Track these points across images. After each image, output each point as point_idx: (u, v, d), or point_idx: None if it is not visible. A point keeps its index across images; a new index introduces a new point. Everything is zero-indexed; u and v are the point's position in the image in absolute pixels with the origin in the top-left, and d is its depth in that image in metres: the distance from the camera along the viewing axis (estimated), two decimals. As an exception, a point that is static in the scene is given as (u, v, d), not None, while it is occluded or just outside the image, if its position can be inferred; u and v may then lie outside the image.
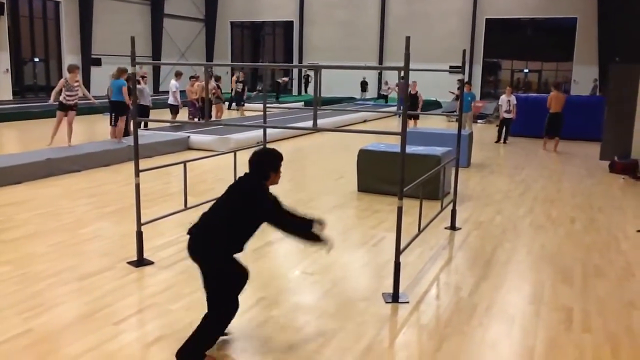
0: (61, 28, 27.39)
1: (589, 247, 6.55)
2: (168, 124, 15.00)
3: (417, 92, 17.26)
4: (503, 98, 16.13)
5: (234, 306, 3.81)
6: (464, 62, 6.75)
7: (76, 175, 9.89)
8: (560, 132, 14.80)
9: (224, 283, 3.75)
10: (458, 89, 22.00)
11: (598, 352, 4.06)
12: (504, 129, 15.97)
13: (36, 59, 27.25)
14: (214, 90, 17.11)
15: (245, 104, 21.18)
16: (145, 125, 15.27)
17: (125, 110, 12.40)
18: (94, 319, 4.36)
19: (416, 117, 17.45)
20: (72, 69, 11.80)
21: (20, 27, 26.21)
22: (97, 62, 28.27)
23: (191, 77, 17.43)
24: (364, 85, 32.41)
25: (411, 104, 16.57)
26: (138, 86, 14.04)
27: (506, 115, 15.86)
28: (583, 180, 10.71)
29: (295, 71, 35.48)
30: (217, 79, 17.97)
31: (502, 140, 15.96)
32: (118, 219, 7.17)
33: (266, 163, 3.88)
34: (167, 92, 16.87)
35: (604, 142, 12.91)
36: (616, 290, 5.24)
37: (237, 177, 4.02)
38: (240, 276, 3.82)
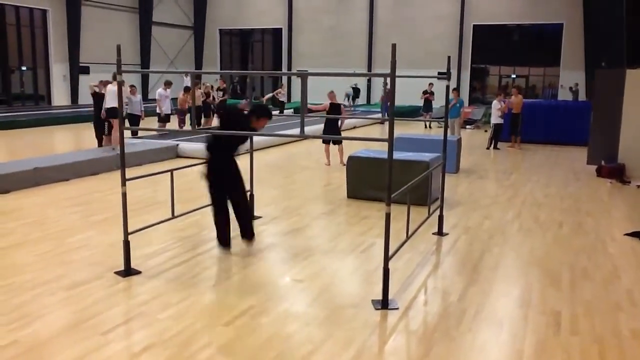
0: (49, 36, 27.29)
1: (576, 251, 6.59)
2: (157, 132, 14.98)
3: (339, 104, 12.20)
4: (495, 103, 16.07)
5: None
6: (449, 68, 6.78)
7: (64, 184, 9.83)
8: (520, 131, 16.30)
9: None
10: (424, 92, 22.13)
11: (586, 355, 4.08)
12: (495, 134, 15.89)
13: (24, 68, 27.12)
14: (203, 98, 17.11)
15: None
16: (135, 133, 15.23)
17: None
18: (81, 329, 4.32)
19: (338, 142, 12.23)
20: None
21: (7, 36, 26.09)
22: (86, 71, 28.19)
23: (185, 87, 17.42)
24: (355, 92, 32.38)
25: (329, 125, 12.02)
26: (132, 97, 14.13)
27: (499, 121, 15.80)
28: (570, 185, 10.78)
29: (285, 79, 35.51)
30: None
31: (493, 146, 15.85)
32: (106, 228, 7.13)
33: None
34: (155, 100, 16.87)
35: (590, 146, 13.01)
36: (603, 293, 5.28)
37: None
38: None
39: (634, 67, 12.48)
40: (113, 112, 12.37)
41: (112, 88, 12.37)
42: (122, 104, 5.59)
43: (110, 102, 12.45)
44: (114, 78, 12.30)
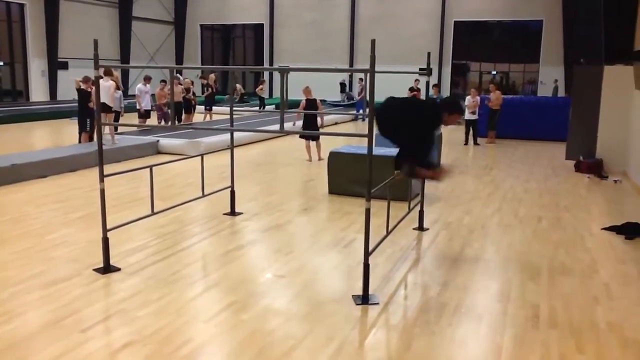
0: (26, 31, 26.82)
1: (555, 245, 6.67)
2: (138, 128, 14.86)
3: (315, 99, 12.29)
4: (468, 99, 16.20)
5: None
6: (428, 64, 6.80)
7: (42, 181, 9.71)
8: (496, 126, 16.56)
9: None
10: (410, 89, 22.17)
11: (564, 348, 4.14)
12: (471, 130, 16.06)
13: (0, 63, 26.68)
14: (183, 94, 16.97)
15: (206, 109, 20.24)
16: (115, 129, 15.06)
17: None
18: (61, 326, 4.29)
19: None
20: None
21: (-16, 30, 25.65)
22: (64, 66, 27.80)
23: (162, 81, 17.23)
24: (343, 87, 32.28)
25: (307, 120, 12.06)
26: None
27: (471, 117, 15.95)
28: (549, 180, 10.91)
29: (266, 74, 35.37)
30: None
31: (470, 143, 16.00)
32: (85, 225, 7.06)
33: None
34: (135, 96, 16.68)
35: (569, 142, 13.16)
36: (581, 287, 5.35)
37: None
38: None
39: (611, 64, 12.64)
40: (104, 108, 12.40)
41: (103, 84, 12.38)
42: (99, 98, 5.53)
43: (103, 97, 12.44)
44: (106, 73, 12.71)
